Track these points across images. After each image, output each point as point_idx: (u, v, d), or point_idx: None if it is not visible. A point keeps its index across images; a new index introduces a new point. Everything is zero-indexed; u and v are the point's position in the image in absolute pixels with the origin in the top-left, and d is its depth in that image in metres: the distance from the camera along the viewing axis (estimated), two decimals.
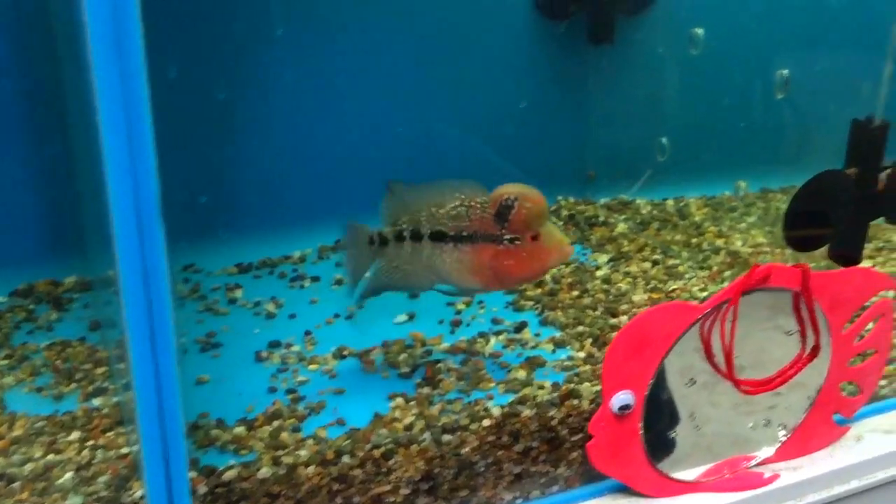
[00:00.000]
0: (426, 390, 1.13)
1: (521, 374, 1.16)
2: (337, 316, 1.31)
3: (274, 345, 1.23)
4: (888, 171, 1.02)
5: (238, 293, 1.36)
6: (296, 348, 1.23)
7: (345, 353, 1.22)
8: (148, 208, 0.70)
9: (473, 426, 1.01)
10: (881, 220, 1.07)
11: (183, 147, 1.36)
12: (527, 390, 1.12)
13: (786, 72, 1.14)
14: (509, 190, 1.11)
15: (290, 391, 1.14)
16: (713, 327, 1.01)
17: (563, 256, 1.12)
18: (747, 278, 1.00)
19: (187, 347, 1.23)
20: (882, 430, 1.21)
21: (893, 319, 1.15)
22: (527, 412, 1.03)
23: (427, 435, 0.99)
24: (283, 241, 1.47)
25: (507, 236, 1.11)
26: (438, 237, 1.14)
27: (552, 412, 1.04)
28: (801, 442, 1.16)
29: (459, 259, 1.13)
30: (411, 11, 1.39)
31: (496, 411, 1.04)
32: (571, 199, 1.58)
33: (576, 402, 1.06)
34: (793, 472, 1.15)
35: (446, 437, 0.99)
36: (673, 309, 1.00)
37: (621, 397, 1.01)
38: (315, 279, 1.40)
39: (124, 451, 1.01)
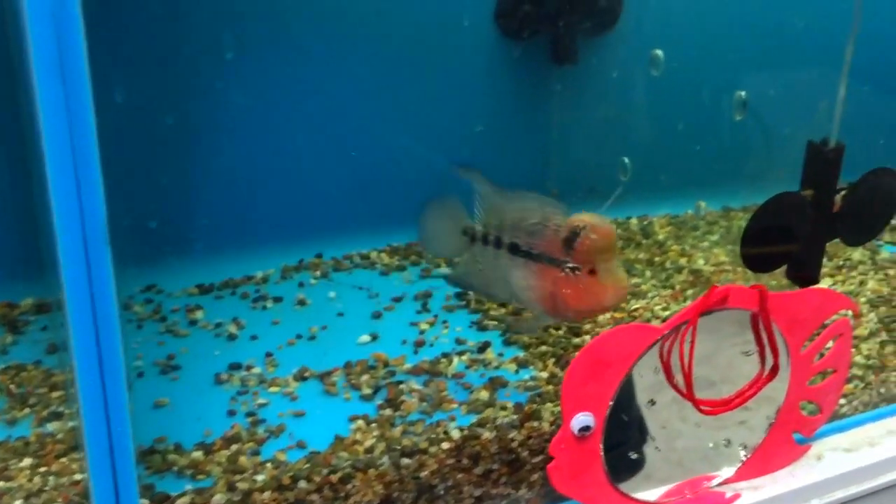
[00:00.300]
0: (388, 412, 1.12)
1: (484, 394, 1.16)
2: (299, 337, 1.30)
3: (234, 367, 1.22)
4: (843, 192, 1.03)
5: (199, 314, 1.34)
6: (256, 370, 1.21)
7: (306, 374, 1.21)
8: (94, 232, 0.69)
9: (433, 449, 1.00)
10: (837, 241, 1.08)
11: (145, 168, 1.35)
12: (489, 411, 1.11)
13: (743, 93, 1.15)
14: (582, 217, 1.08)
15: (249, 414, 1.13)
16: (672, 348, 1.02)
17: (617, 296, 1.09)
18: (705, 299, 1.00)
19: (145, 370, 1.21)
20: (842, 448, 1.22)
21: (852, 339, 1.16)
22: (487, 434, 1.03)
23: (385, 458, 0.98)
24: (246, 262, 1.45)
25: (570, 265, 1.08)
26: (514, 250, 1.12)
27: (512, 434, 1.04)
28: (762, 461, 1.16)
29: (526, 277, 1.11)
30: (372, 31, 1.38)
31: (455, 434, 1.03)
32: None
33: (536, 423, 1.06)
34: (754, 491, 1.15)
35: (405, 461, 0.99)
36: (631, 331, 1.00)
37: (581, 419, 1.01)
38: (278, 300, 1.38)
39: (77, 477, 0.99)
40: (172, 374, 1.21)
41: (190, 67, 1.33)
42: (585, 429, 1.01)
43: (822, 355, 1.14)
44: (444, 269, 1.32)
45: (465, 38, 1.44)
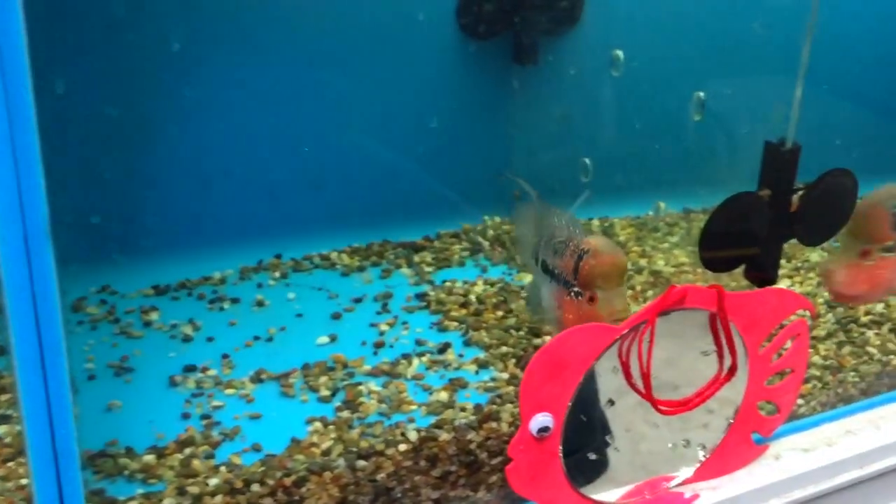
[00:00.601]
0: (346, 414, 1.11)
1: (444, 395, 1.14)
2: (257, 338, 1.27)
3: (189, 369, 1.20)
4: (800, 192, 1.04)
5: (154, 315, 1.32)
6: (212, 372, 1.19)
7: (263, 376, 1.19)
8: (36, 231, 0.66)
9: (389, 451, 0.99)
10: (794, 241, 1.09)
11: (101, 166, 1.32)
12: (448, 412, 1.10)
13: (702, 94, 1.16)
14: (590, 241, 1.05)
15: (204, 416, 1.11)
16: (631, 348, 1.01)
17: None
18: (663, 299, 1.00)
19: (98, 373, 1.18)
20: (800, 448, 1.22)
21: (809, 339, 1.16)
22: (445, 436, 1.02)
23: (341, 461, 0.97)
24: (204, 262, 1.43)
25: (575, 288, 1.05)
26: (544, 268, 1.10)
27: (471, 435, 1.03)
28: (721, 461, 1.16)
29: (551, 294, 1.08)
30: (331, 29, 1.37)
31: (413, 435, 1.02)
32: (497, 219, 1.58)
33: (495, 424, 1.05)
34: (713, 491, 1.15)
35: (361, 463, 0.97)
36: (590, 331, 0.99)
37: (540, 420, 1.00)
38: (235, 301, 1.36)
39: (24, 482, 0.96)
40: (126, 376, 1.18)
41: (151, 61, 1.31)
42: (544, 430, 1.00)
43: (779, 355, 1.15)
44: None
45: (426, 37, 1.43)
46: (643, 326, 1.01)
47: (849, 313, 1.37)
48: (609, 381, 1.04)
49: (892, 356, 1.31)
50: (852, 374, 1.28)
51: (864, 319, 1.36)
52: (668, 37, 1.44)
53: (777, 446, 1.21)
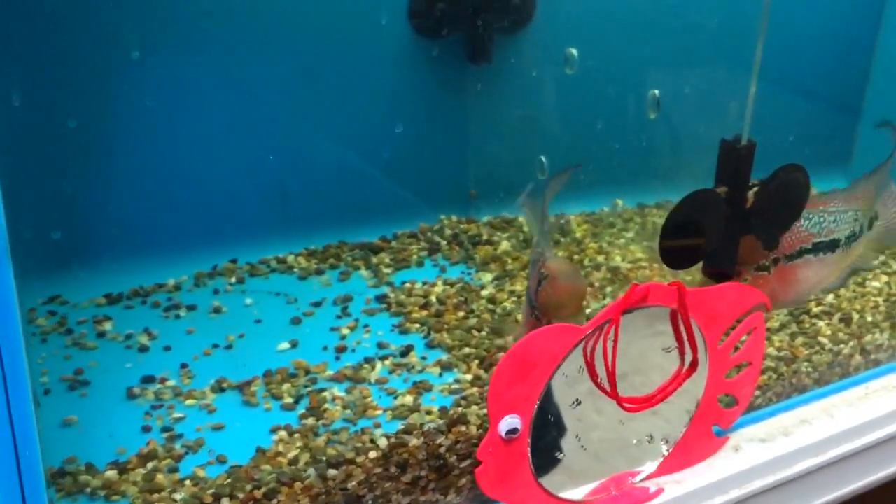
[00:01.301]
0: (311, 421, 1.10)
1: (408, 399, 1.14)
2: (216, 346, 1.25)
3: (147, 380, 1.17)
4: (755, 189, 1.05)
5: (107, 325, 1.28)
6: (171, 383, 1.17)
7: (224, 385, 1.17)
8: None
9: (360, 459, 0.98)
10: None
11: (44, 173, 1.28)
12: (414, 416, 1.10)
13: (657, 92, 1.17)
14: (551, 265, 1.02)
15: (165, 429, 1.08)
16: (596, 347, 1.02)
17: None
18: (627, 298, 1.01)
19: (52, 387, 1.15)
20: (758, 439, 1.25)
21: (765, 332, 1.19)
22: (414, 441, 1.01)
23: (311, 471, 0.96)
24: (157, 269, 1.39)
25: (536, 311, 1.04)
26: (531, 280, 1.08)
27: (440, 440, 1.02)
28: (683, 455, 1.18)
29: (525, 301, 1.06)
30: (283, 30, 1.35)
31: (382, 442, 1.01)
32: (454, 218, 1.58)
33: (463, 428, 1.05)
34: (676, 485, 1.17)
35: (331, 472, 0.96)
36: (556, 331, 1.00)
37: (508, 421, 1.00)
38: (192, 308, 1.33)
39: None
40: (81, 389, 1.15)
41: (91, 68, 1.27)
42: (513, 431, 1.01)
43: (737, 349, 1.17)
44: None
45: (378, 37, 1.42)
46: (607, 325, 1.02)
47: (800, 305, 1.40)
48: (574, 381, 1.05)
49: (842, 345, 1.34)
50: (805, 364, 1.31)
51: (816, 310, 1.39)
52: (621, 34, 1.46)
53: (736, 437, 1.24)
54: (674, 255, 1.03)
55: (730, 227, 1.07)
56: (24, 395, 0.70)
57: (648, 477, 1.16)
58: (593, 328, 1.02)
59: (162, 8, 1.29)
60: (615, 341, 1.01)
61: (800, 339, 1.34)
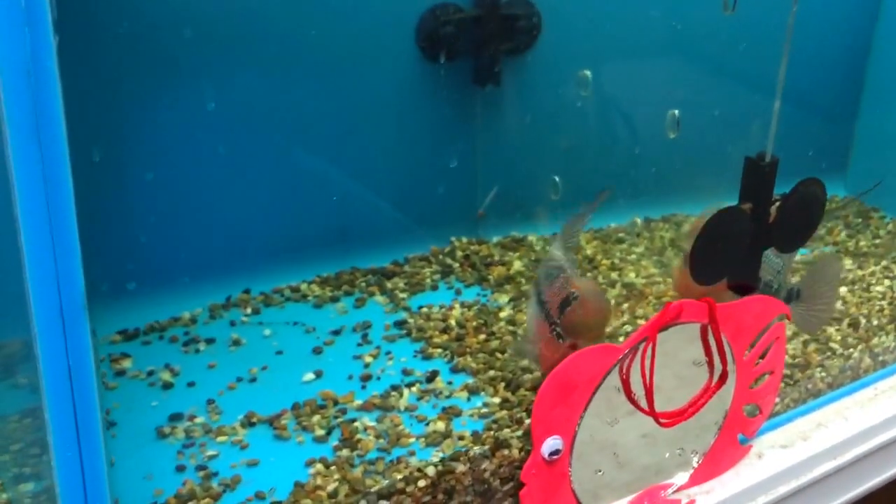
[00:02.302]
0: (345, 452, 1.09)
1: (440, 425, 1.14)
2: (240, 379, 1.24)
3: (175, 417, 1.16)
4: (777, 203, 1.08)
5: (126, 363, 1.27)
6: (200, 420, 1.15)
7: (253, 420, 1.16)
8: (72, 300, 0.64)
9: (409, 488, 0.98)
10: (771, 249, 1.13)
11: None
12: (447, 442, 1.10)
13: (677, 112, 1.19)
14: (579, 285, 1.03)
15: (200, 468, 1.07)
16: (632, 365, 1.03)
17: None
18: (662, 316, 1.03)
19: None
20: (779, 445, 1.27)
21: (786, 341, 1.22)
22: (461, 467, 1.02)
23: (363, 502, 0.96)
24: (170, 303, 1.37)
25: (557, 329, 1.04)
26: (540, 304, 1.07)
27: (485, 464, 1.03)
28: (712, 465, 1.20)
29: (532, 319, 1.07)
30: (291, 55, 1.34)
31: (431, 471, 1.01)
32: (465, 240, 1.59)
33: (506, 451, 1.06)
34: (706, 495, 1.19)
35: (383, 503, 0.96)
36: (596, 352, 1.01)
37: (551, 443, 1.01)
38: (210, 341, 1.32)
39: None
40: (109, 430, 1.13)
41: (107, 95, 1.25)
42: (555, 452, 1.02)
43: (760, 359, 1.19)
44: None
45: (386, 61, 1.42)
46: (643, 344, 1.03)
47: None
48: (611, 400, 1.06)
49: (851, 349, 1.38)
50: (819, 369, 1.34)
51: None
52: (626, 53, 1.48)
53: (759, 445, 1.26)
54: (703, 270, 1.05)
55: (753, 242, 1.09)
56: (97, 442, 0.70)
57: (680, 489, 1.18)
58: (629, 347, 1.03)
59: (171, 31, 1.28)
60: (653, 359, 1.03)
61: (812, 346, 1.36)
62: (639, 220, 1.52)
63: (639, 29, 1.45)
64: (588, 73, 1.30)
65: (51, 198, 0.60)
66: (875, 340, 1.40)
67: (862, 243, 1.68)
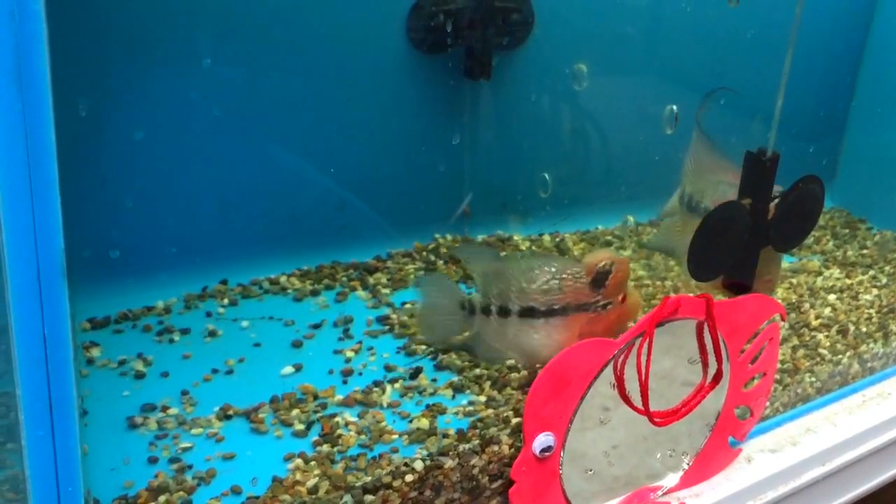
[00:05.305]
0: (326, 448, 1.05)
1: (424, 422, 1.10)
2: (215, 371, 1.19)
3: (148, 408, 1.10)
4: (776, 200, 1.06)
5: (96, 352, 1.21)
6: (173, 411, 1.10)
7: (230, 412, 1.11)
8: (50, 264, 0.59)
9: (396, 483, 0.94)
10: (769, 247, 1.11)
11: None
12: (432, 439, 1.06)
13: (675, 107, 1.17)
14: (602, 256, 1.16)
15: (173, 460, 1.02)
16: (626, 361, 1.00)
17: (639, 306, 1.20)
18: (660, 310, 1.00)
19: None
20: (768, 449, 1.25)
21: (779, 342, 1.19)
22: (449, 463, 0.98)
23: (348, 497, 0.91)
24: (144, 291, 1.32)
25: (601, 302, 1.15)
26: (528, 314, 1.15)
27: (474, 460, 0.99)
28: (702, 468, 1.17)
29: (550, 334, 1.14)
30: (280, 46, 1.30)
31: (419, 465, 0.97)
32: (449, 237, 1.55)
33: (496, 447, 1.02)
34: (696, 498, 1.16)
35: (368, 498, 0.92)
36: (590, 346, 0.98)
37: (542, 440, 0.98)
38: (185, 332, 1.27)
39: None
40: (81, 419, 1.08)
41: (89, 82, 1.20)
42: (547, 449, 0.98)
43: (754, 360, 1.17)
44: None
45: (376, 53, 1.38)
46: (639, 339, 1.00)
47: (800, 318, 1.41)
48: (604, 397, 1.03)
49: (840, 356, 1.36)
50: (808, 374, 1.32)
51: (815, 323, 1.40)
52: (619, 48, 1.46)
53: (748, 448, 1.24)
54: (701, 266, 1.03)
55: (751, 239, 1.07)
56: (72, 420, 0.65)
57: (669, 491, 1.15)
58: (626, 342, 1.00)
59: (159, 18, 1.23)
60: (649, 355, 1.00)
61: (801, 352, 1.34)
62: (631, 219, 1.50)
63: (632, 24, 1.43)
64: (583, 66, 1.28)
65: (31, 147, 0.55)
66: (863, 347, 1.39)
67: (850, 253, 1.67)
